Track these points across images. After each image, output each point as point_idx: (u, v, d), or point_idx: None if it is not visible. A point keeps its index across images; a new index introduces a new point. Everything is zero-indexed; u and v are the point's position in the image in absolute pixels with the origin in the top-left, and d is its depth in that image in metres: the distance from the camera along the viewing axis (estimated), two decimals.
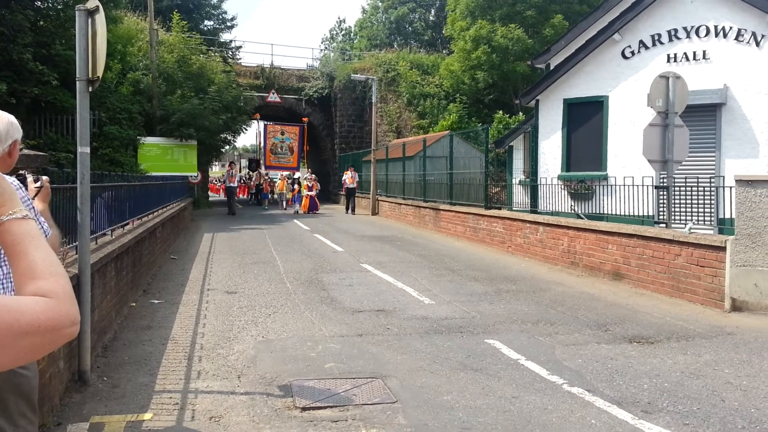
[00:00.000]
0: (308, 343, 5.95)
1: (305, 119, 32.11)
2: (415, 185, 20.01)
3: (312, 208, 25.00)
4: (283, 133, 31.49)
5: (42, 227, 2.27)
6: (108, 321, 6.12)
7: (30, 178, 2.44)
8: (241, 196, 39.26)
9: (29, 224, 1.18)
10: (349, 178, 24.90)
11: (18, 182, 2.21)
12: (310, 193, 25.32)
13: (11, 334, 0.98)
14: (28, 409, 2.11)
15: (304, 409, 4.31)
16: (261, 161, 33.41)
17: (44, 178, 2.61)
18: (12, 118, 2.42)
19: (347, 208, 24.80)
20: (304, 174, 28.48)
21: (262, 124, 31.73)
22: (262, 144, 32.98)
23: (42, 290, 1.07)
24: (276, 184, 30.04)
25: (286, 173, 30.74)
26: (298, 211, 24.89)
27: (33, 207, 2.24)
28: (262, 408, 4.34)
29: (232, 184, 25.35)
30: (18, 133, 2.40)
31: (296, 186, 26.63)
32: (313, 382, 4.86)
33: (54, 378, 4.14)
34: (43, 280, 1.09)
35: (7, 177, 2.14)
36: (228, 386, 4.77)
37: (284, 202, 28.27)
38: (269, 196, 32.36)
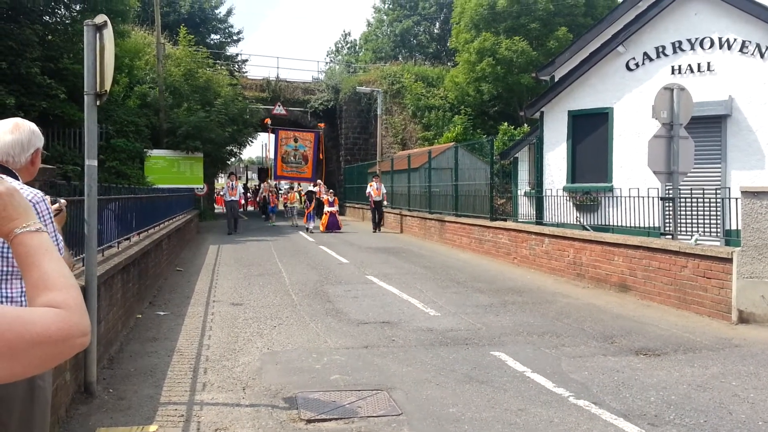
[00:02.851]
0: (313, 355, 5.95)
1: (322, 125, 29.82)
2: (420, 197, 20.01)
3: (332, 227, 21.16)
4: (296, 140, 28.82)
5: (59, 246, 2.28)
6: (114, 333, 6.14)
7: (47, 200, 2.43)
8: (249, 208, 38.98)
9: (42, 237, 1.20)
10: (374, 189, 21.09)
11: (41, 196, 2.20)
12: (331, 209, 21.48)
13: (23, 343, 1.00)
14: (42, 421, 2.12)
15: (309, 421, 4.31)
16: (270, 171, 31.47)
17: (62, 201, 2.60)
18: (34, 126, 2.44)
19: (375, 226, 21.36)
20: (309, 186, 27.64)
21: (272, 136, 29.82)
22: (271, 153, 30.91)
23: (54, 301, 1.09)
24: (287, 196, 26.81)
25: (288, 185, 29.84)
26: (309, 229, 21.30)
27: (53, 222, 2.22)
28: (267, 420, 4.34)
29: (232, 198, 21.57)
30: (39, 141, 2.43)
31: (313, 200, 23.04)
32: (318, 394, 4.85)
33: (60, 390, 4.16)
34: (55, 292, 1.11)
35: (30, 191, 2.17)
36: (233, 398, 4.78)
37: (294, 216, 24.95)
38: (276, 209, 28.60)
